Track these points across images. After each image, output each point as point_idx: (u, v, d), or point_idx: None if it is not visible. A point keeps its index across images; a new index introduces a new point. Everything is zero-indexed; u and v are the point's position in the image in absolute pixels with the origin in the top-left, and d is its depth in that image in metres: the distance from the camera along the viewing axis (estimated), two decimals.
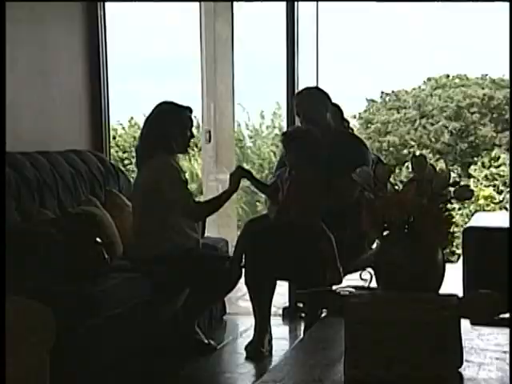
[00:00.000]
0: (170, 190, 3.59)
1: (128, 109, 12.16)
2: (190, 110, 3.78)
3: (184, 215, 3.64)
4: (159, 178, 3.62)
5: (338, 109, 3.95)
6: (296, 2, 4.53)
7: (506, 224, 3.32)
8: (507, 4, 3.70)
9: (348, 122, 4.04)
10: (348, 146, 3.74)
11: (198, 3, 6.15)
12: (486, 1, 5.10)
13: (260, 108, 12.63)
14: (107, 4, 4.89)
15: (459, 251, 7.60)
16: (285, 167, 3.69)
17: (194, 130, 3.84)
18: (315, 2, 4.95)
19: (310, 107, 3.83)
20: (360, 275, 3.91)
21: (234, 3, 6.26)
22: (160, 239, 3.63)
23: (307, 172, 3.56)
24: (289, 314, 4.49)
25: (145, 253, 3.64)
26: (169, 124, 3.70)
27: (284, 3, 4.53)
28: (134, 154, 4.97)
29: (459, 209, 11.32)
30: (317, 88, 4.11)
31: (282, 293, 4.38)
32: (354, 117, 13.70)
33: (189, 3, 6.25)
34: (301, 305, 4.34)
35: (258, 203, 10.27)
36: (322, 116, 3.80)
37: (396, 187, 2.10)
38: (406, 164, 12.28)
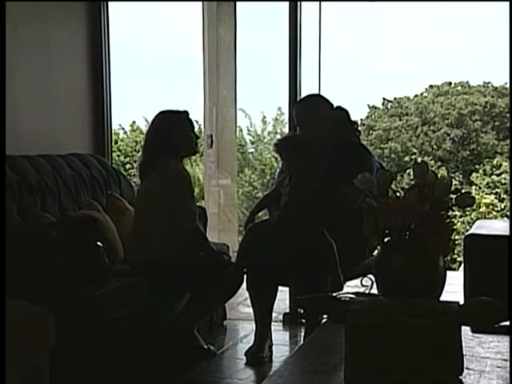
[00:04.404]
0: (176, 198, 3.60)
1: (130, 113, 12.19)
2: (186, 113, 3.80)
3: (186, 234, 3.64)
4: (167, 183, 3.63)
5: (345, 112, 3.92)
6: (299, 2, 4.51)
7: (508, 232, 3.32)
8: (507, 4, 3.66)
9: (357, 124, 4.00)
10: (349, 151, 3.73)
11: (200, 8, 6.16)
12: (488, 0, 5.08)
13: (262, 113, 12.65)
14: (110, 5, 4.84)
15: (460, 259, 7.59)
16: (286, 174, 3.69)
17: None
18: (318, 8, 4.95)
19: (309, 116, 3.81)
20: (361, 281, 3.92)
21: (237, 8, 6.26)
22: (161, 244, 3.63)
23: (307, 178, 3.55)
24: (289, 320, 4.48)
25: (145, 257, 3.63)
26: (170, 130, 3.71)
27: (287, 8, 4.52)
28: (135, 163, 4.96)
29: (460, 216, 11.32)
30: (317, 95, 4.09)
31: (282, 298, 4.38)
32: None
33: (192, 7, 6.26)
34: (301, 311, 4.34)
35: None
36: (320, 123, 3.78)
37: (397, 194, 2.10)
38: (408, 171, 12.28)
